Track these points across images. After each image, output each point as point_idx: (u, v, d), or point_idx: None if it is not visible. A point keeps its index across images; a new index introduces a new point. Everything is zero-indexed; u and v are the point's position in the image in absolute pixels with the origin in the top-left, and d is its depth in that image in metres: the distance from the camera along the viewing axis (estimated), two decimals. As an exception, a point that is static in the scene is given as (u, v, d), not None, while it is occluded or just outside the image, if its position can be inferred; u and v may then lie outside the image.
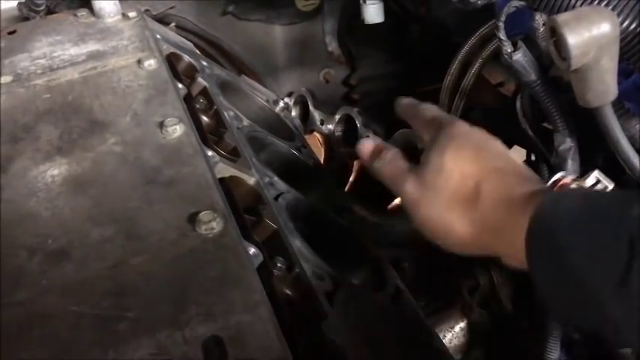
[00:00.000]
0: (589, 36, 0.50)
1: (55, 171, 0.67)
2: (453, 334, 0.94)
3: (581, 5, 0.57)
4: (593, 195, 0.54)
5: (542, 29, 0.64)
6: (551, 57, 0.59)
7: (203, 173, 0.65)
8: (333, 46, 1.30)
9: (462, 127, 0.66)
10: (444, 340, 0.90)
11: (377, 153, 0.71)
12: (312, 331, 0.59)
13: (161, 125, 0.72)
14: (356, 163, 1.32)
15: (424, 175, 0.64)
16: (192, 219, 0.59)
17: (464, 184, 0.60)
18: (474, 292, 1.01)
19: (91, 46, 0.90)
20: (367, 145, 0.73)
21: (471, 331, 0.95)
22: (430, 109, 0.73)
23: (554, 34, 0.52)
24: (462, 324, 0.94)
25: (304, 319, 0.61)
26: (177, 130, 0.71)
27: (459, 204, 0.60)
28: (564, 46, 0.51)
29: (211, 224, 0.58)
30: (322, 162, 1.32)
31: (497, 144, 0.65)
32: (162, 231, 0.59)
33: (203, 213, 0.59)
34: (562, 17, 0.51)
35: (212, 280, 0.53)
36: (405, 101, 0.78)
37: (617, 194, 0.53)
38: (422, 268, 1.01)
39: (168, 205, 0.62)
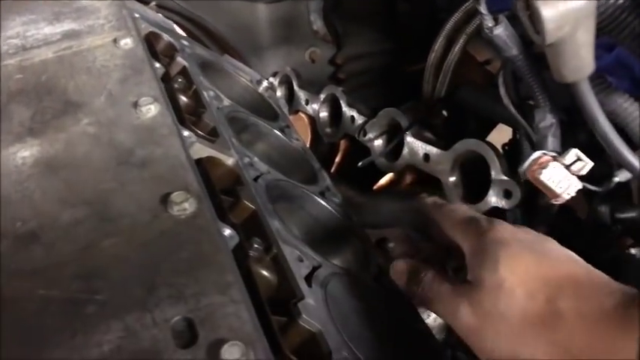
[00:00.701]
0: (564, 9, 0.49)
1: (26, 152, 0.65)
2: (438, 314, 0.94)
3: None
4: None
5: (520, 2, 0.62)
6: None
7: (177, 153, 0.64)
8: (318, 24, 1.28)
9: (507, 230, 0.57)
10: (428, 319, 0.89)
11: (414, 274, 0.63)
12: (289, 313, 0.58)
13: (136, 105, 0.70)
14: (342, 143, 1.31)
15: (480, 299, 0.54)
16: (165, 200, 0.57)
17: (533, 303, 0.51)
18: (459, 271, 1.01)
19: (66, 25, 0.88)
20: (400, 267, 0.66)
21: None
22: (460, 209, 0.64)
23: (529, 7, 0.51)
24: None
25: (281, 300, 0.60)
26: (151, 109, 0.69)
27: (532, 329, 0.50)
28: (539, 20, 0.50)
29: (184, 205, 0.57)
30: (308, 142, 1.31)
31: (554, 245, 0.56)
32: (135, 213, 0.57)
33: (176, 194, 0.57)
34: None
35: (184, 262, 0.52)
36: (429, 200, 0.69)
37: None
38: (407, 247, 1.00)
39: (141, 186, 0.60)
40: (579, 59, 0.53)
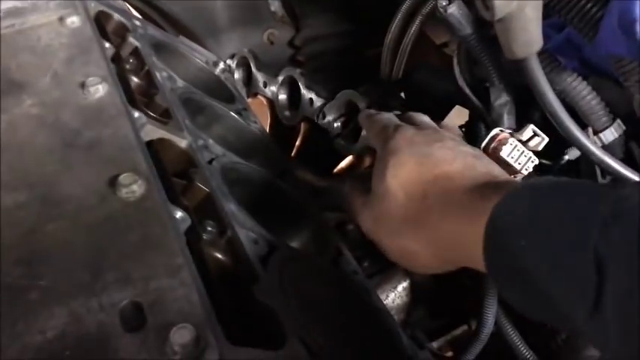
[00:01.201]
0: None
1: (-35, 134, 0.62)
2: (395, 294, 0.94)
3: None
4: (548, 192, 0.48)
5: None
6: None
7: (126, 134, 0.62)
8: (276, 5, 1.26)
9: (405, 137, 0.62)
10: (386, 300, 0.90)
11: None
12: (243, 296, 0.57)
13: (83, 85, 0.68)
14: (302, 126, 1.29)
15: (372, 205, 0.61)
16: (113, 182, 0.56)
17: (410, 204, 0.57)
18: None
19: (9, 3, 0.84)
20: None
21: (413, 290, 0.95)
22: (382, 119, 0.69)
23: None
24: (405, 284, 0.95)
25: (236, 283, 0.59)
26: (99, 90, 0.67)
27: (410, 226, 0.57)
28: None
29: (132, 187, 0.55)
30: (267, 126, 1.29)
31: (444, 144, 0.61)
32: (81, 196, 0.56)
33: (124, 176, 0.56)
34: None
35: (132, 245, 0.51)
36: (365, 112, 0.76)
37: (578, 187, 0.48)
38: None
39: (87, 168, 0.58)
40: (528, 34, 0.53)
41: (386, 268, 0.93)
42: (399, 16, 0.91)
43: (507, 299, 0.50)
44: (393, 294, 0.94)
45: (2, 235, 0.52)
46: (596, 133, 0.61)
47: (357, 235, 1.02)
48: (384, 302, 0.83)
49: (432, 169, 0.58)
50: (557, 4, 0.57)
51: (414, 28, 0.89)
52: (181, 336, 0.44)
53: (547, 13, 0.58)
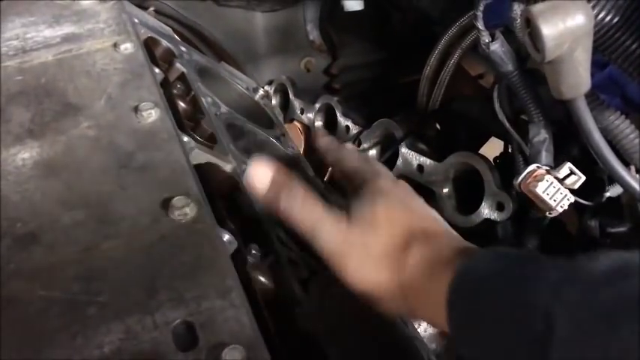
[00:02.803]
0: (564, 27, 0.51)
1: (26, 154, 0.65)
2: (427, 324, 0.95)
3: (557, -5, 0.57)
4: (510, 256, 0.53)
5: (519, 20, 0.64)
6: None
7: (177, 158, 0.64)
8: (314, 34, 1.30)
9: (388, 183, 0.65)
10: (419, 329, 0.91)
11: (279, 187, 0.62)
12: (285, 319, 0.58)
13: (136, 109, 0.70)
14: (336, 153, 1.31)
15: (352, 227, 0.60)
16: (166, 204, 0.58)
17: (393, 241, 0.59)
18: (449, 281, 1.02)
19: (66, 29, 0.88)
20: (261, 175, 0.63)
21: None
22: (352, 158, 0.70)
23: (530, 24, 0.52)
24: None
25: (278, 306, 0.61)
26: (152, 114, 0.70)
27: (388, 262, 0.58)
28: (539, 38, 0.51)
29: (185, 210, 0.57)
30: (302, 151, 1.32)
31: (421, 202, 0.65)
32: (135, 216, 0.58)
33: (176, 198, 0.58)
34: (537, 8, 0.51)
35: (184, 266, 0.53)
36: (324, 141, 0.74)
37: (533, 257, 0.52)
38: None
39: (141, 190, 0.61)
40: (577, 77, 0.54)
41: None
42: (438, 49, 0.93)
43: (466, 353, 0.52)
44: (425, 323, 0.95)
45: (62, 252, 0.54)
46: (638, 171, 0.62)
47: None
48: (417, 330, 0.83)
49: (420, 221, 0.61)
50: (601, 43, 0.59)
51: (452, 61, 0.91)
52: (232, 356, 0.45)
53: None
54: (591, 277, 0.43)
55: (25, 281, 0.52)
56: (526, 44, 0.54)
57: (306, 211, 0.61)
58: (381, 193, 0.62)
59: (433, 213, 0.64)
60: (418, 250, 0.58)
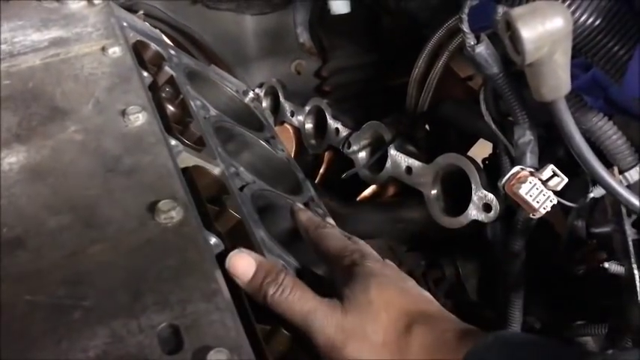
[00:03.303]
0: (543, 30, 0.51)
1: (12, 159, 0.65)
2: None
3: (538, -1, 0.58)
4: (516, 345, 0.53)
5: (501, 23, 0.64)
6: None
7: (164, 162, 0.65)
8: (304, 37, 1.30)
9: (377, 264, 0.63)
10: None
11: (265, 275, 0.59)
12: (272, 321, 0.59)
13: (123, 113, 0.71)
14: (326, 155, 1.32)
15: (347, 315, 0.57)
16: (152, 208, 0.58)
17: (394, 326, 0.57)
18: (439, 282, 1.03)
19: (54, 32, 0.88)
20: (244, 264, 0.59)
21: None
22: (335, 237, 0.68)
23: (510, 28, 0.53)
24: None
25: (265, 308, 0.61)
26: (139, 118, 0.70)
27: (388, 350, 0.56)
28: (519, 40, 0.52)
29: (171, 213, 0.57)
30: (293, 153, 1.32)
31: (413, 283, 0.64)
32: (121, 220, 0.58)
33: (163, 202, 0.58)
34: (517, 11, 0.52)
35: (170, 269, 0.53)
36: (304, 217, 0.73)
37: (542, 344, 0.52)
38: (389, 258, 1.02)
39: (127, 193, 0.61)
40: (557, 79, 0.55)
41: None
42: (426, 52, 0.94)
43: None
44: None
45: (47, 256, 0.54)
46: (621, 172, 0.63)
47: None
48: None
49: (416, 303, 0.60)
50: (584, 45, 0.59)
51: (440, 63, 0.92)
52: (217, 359, 0.46)
53: (574, 53, 0.60)
54: None
55: (11, 285, 0.52)
56: (507, 47, 0.55)
57: (296, 301, 0.58)
58: (373, 275, 0.60)
59: (426, 293, 0.63)
60: (420, 334, 0.56)
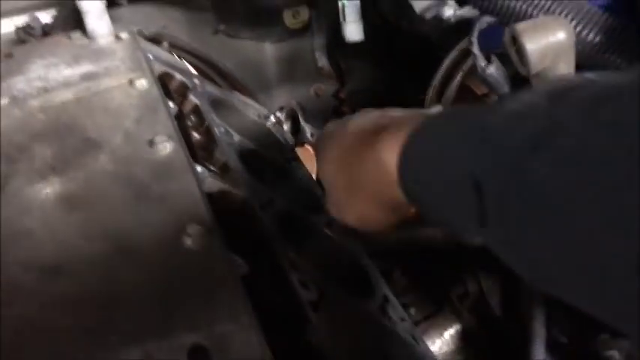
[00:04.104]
0: (546, 42, 0.54)
1: (49, 189, 0.69)
2: (442, 341, 0.96)
3: (541, 16, 0.61)
4: (438, 125, 0.54)
5: (507, 38, 0.67)
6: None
7: (191, 188, 0.68)
8: (322, 61, 1.34)
9: (326, 127, 0.74)
10: (433, 347, 0.92)
11: None
12: (296, 339, 0.61)
13: (151, 143, 0.74)
14: (347, 175, 1.34)
15: (326, 198, 0.71)
16: (180, 233, 0.61)
17: (340, 175, 0.66)
18: (463, 298, 1.03)
19: (85, 67, 0.93)
20: None
21: (460, 337, 0.97)
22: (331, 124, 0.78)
23: (515, 41, 0.56)
24: (452, 330, 0.96)
25: (289, 326, 0.63)
26: (167, 147, 0.74)
27: (349, 195, 0.65)
28: (523, 52, 0.55)
29: (197, 238, 0.60)
30: (314, 174, 1.35)
31: (350, 119, 0.69)
32: (152, 245, 0.61)
33: (190, 227, 0.61)
34: (521, 26, 0.55)
35: (197, 291, 0.56)
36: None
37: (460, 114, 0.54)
38: (411, 276, 1.03)
39: (157, 220, 0.64)
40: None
41: (433, 316, 0.96)
42: (441, 73, 0.96)
43: (431, 222, 0.62)
44: (440, 341, 0.96)
45: (84, 282, 0.58)
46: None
47: (404, 281, 1.05)
48: (432, 349, 0.84)
49: (339, 143, 0.67)
50: (589, 63, 0.61)
51: (455, 83, 0.94)
52: (244, 377, 0.48)
53: (579, 70, 0.62)
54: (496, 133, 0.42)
55: (50, 310, 0.55)
56: (513, 59, 0.58)
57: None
58: (317, 152, 0.73)
59: (362, 117, 0.69)
60: (352, 163, 0.63)
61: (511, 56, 0.60)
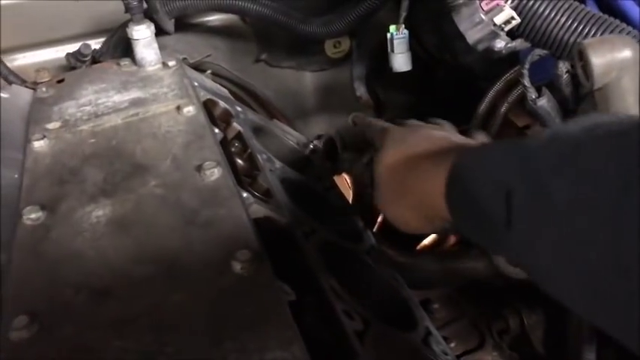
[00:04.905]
0: (611, 57, 0.55)
1: (99, 212, 0.70)
2: (483, 377, 0.93)
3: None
4: (494, 146, 0.62)
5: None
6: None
7: (239, 214, 0.68)
8: (361, 90, 1.34)
9: (390, 133, 0.77)
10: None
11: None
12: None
13: (199, 168, 0.75)
14: (384, 204, 1.34)
15: (375, 189, 0.75)
16: (229, 258, 0.61)
17: (391, 179, 0.71)
18: (504, 333, 1.01)
19: (133, 94, 0.96)
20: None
21: (500, 372, 0.94)
22: (378, 122, 0.86)
23: (581, 57, 0.56)
24: (492, 365, 0.94)
25: (336, 358, 0.62)
26: (214, 173, 0.74)
27: (395, 197, 0.71)
28: (588, 66, 0.56)
29: (247, 263, 0.60)
30: (351, 202, 1.34)
31: (417, 132, 0.75)
32: (201, 270, 0.61)
33: (239, 252, 0.61)
34: (588, 41, 0.56)
35: (247, 317, 0.56)
36: (358, 114, 0.93)
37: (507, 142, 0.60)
38: (452, 309, 1.01)
39: (206, 245, 0.64)
40: (625, 104, 0.58)
41: (474, 350, 0.93)
42: (485, 103, 0.96)
43: (462, 231, 0.61)
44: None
45: (133, 305, 0.58)
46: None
47: (443, 314, 1.03)
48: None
49: (405, 150, 0.72)
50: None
51: (500, 114, 0.93)
52: (296, 406, 0.47)
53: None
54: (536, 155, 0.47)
55: (102, 332, 0.55)
56: (579, 76, 0.59)
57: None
58: (381, 147, 0.75)
59: (422, 136, 0.73)
60: (406, 171, 0.68)
61: (578, 73, 0.62)
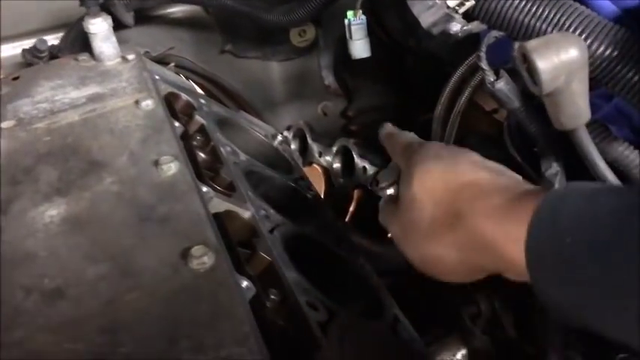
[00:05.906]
0: (558, 61, 0.52)
1: (53, 211, 0.69)
2: (455, 362, 0.93)
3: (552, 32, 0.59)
4: (595, 195, 0.47)
5: (517, 56, 0.65)
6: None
7: (196, 209, 0.67)
8: (329, 79, 1.33)
9: (430, 150, 0.65)
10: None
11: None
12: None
13: (156, 163, 0.74)
14: (356, 193, 1.33)
15: (400, 214, 0.63)
16: (185, 254, 0.60)
17: (438, 210, 0.58)
18: (475, 318, 1.01)
19: (91, 89, 0.93)
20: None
21: (473, 357, 0.94)
22: (406, 137, 0.73)
23: (526, 60, 0.54)
24: (464, 351, 0.94)
25: (299, 350, 0.61)
26: (172, 167, 0.73)
27: (438, 232, 0.58)
28: (535, 71, 0.53)
29: (203, 259, 0.59)
30: (323, 193, 1.33)
31: (468, 157, 0.63)
32: (156, 267, 0.60)
33: (195, 248, 0.60)
34: (531, 44, 0.53)
35: (203, 314, 0.54)
36: (386, 129, 0.79)
37: (621, 192, 0.48)
38: (422, 295, 1.01)
39: (161, 241, 0.63)
40: (576, 107, 0.56)
41: (445, 336, 0.93)
42: (448, 88, 0.95)
43: (545, 297, 0.48)
44: (460, 354, 0.93)
45: (86, 305, 0.56)
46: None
47: (414, 300, 1.02)
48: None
49: (459, 177, 0.60)
50: (603, 77, 0.60)
51: (463, 98, 0.93)
52: (251, 403, 0.46)
53: (594, 84, 0.61)
54: None
55: (53, 335, 0.54)
56: (524, 79, 0.56)
57: (382, 213, 0.70)
58: (418, 162, 0.63)
59: (480, 163, 0.62)
60: (467, 205, 0.55)
61: (522, 75, 0.58)
